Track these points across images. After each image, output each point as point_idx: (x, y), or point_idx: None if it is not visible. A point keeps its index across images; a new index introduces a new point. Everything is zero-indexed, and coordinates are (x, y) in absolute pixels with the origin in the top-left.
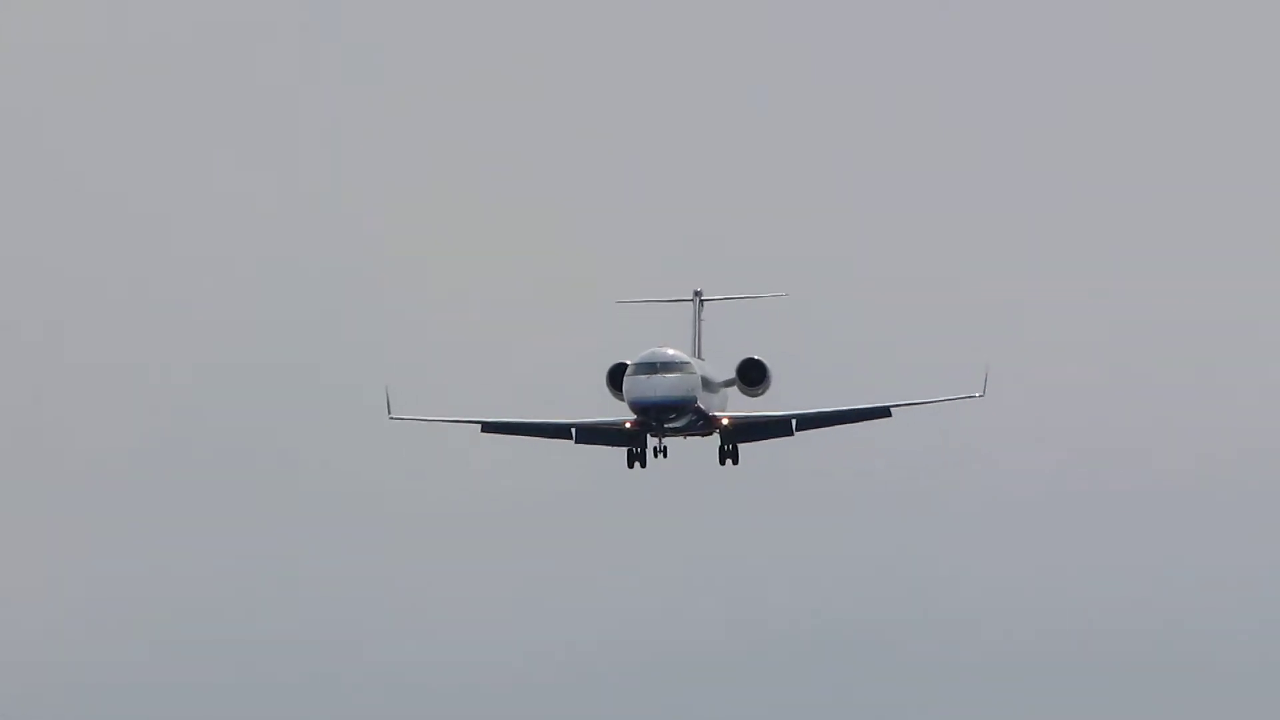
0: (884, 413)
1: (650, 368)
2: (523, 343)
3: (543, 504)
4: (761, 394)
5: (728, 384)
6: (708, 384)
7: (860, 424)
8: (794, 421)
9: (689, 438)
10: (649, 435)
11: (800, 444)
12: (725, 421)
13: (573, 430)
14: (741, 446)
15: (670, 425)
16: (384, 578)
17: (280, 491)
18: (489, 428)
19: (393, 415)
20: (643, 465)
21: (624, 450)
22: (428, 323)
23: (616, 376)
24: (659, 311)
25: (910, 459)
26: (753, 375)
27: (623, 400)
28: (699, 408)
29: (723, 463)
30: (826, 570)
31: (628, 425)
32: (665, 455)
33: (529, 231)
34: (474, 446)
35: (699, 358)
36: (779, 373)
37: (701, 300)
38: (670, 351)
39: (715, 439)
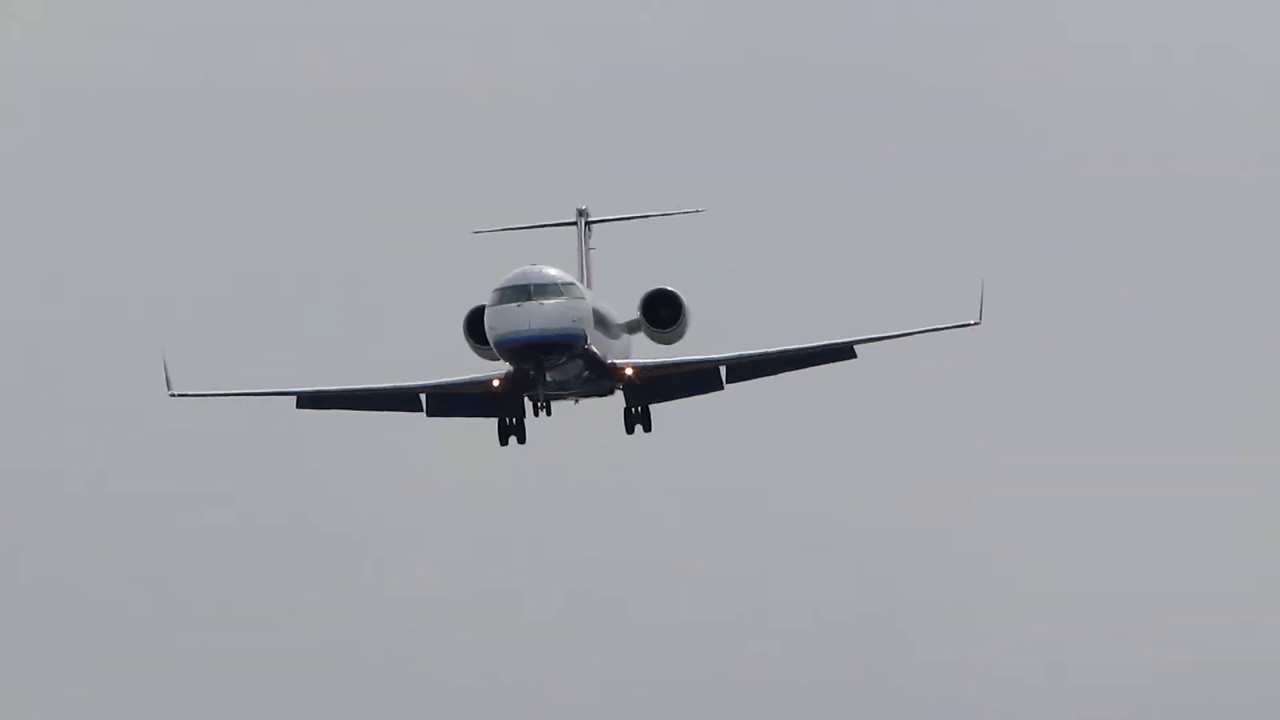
0: (845, 352)
1: (521, 292)
2: (352, 290)
3: (385, 503)
4: (676, 337)
5: (631, 328)
6: (602, 320)
7: (813, 369)
8: (723, 370)
9: (581, 400)
10: (526, 397)
11: (733, 400)
12: (629, 372)
13: (422, 398)
14: (655, 408)
15: (554, 377)
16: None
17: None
18: (306, 401)
19: (173, 391)
20: (520, 440)
21: (494, 421)
22: (215, 271)
23: (477, 326)
24: (529, 241)
25: (885, 416)
26: (663, 312)
27: (489, 355)
28: (590, 350)
29: (630, 429)
30: (776, 585)
31: (496, 384)
32: (549, 412)
33: (345, 146)
34: (287, 428)
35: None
36: (697, 309)
37: (588, 223)
38: (549, 270)
39: (618, 400)
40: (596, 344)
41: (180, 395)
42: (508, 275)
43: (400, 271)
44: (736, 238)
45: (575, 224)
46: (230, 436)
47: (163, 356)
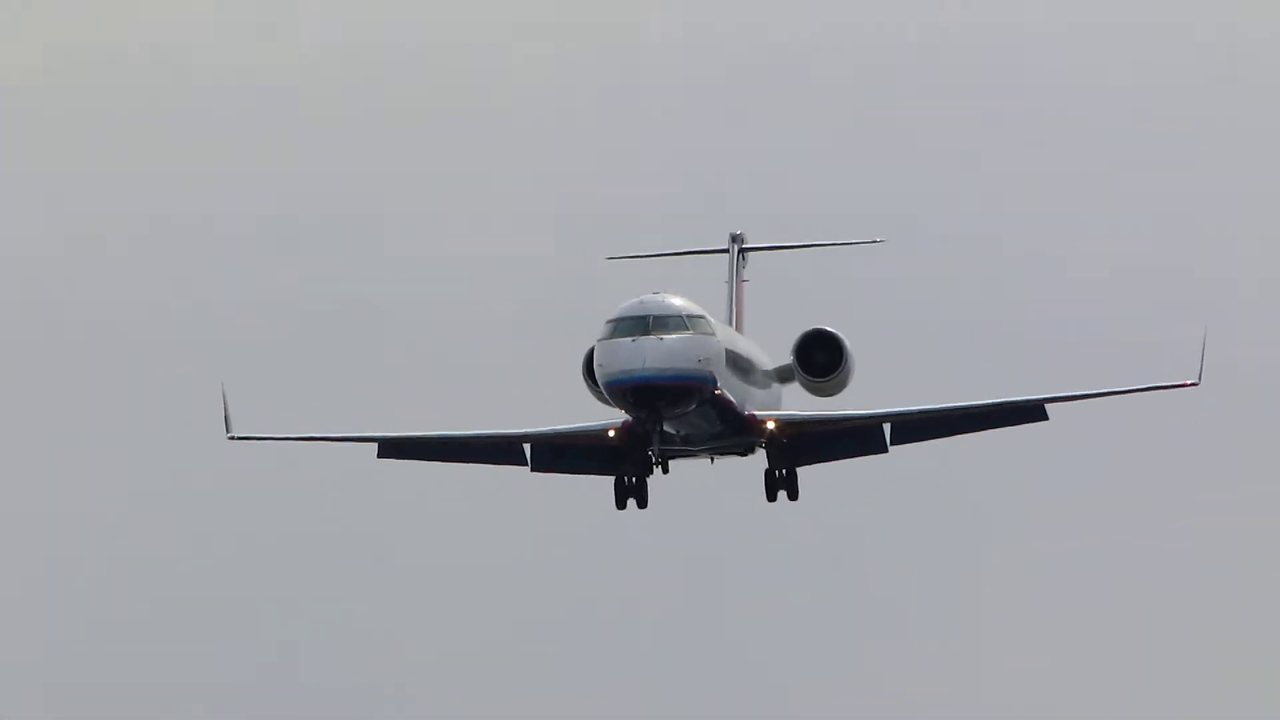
0: (1035, 413)
1: (638, 325)
2: (458, 324)
3: (471, 570)
4: (835, 388)
5: (782, 375)
6: (740, 363)
7: (996, 432)
8: (887, 428)
9: (717, 457)
10: (649, 452)
11: (899, 465)
12: (771, 426)
13: (526, 449)
14: (803, 471)
15: (678, 429)
16: None
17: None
18: (389, 449)
19: (232, 434)
20: (641, 503)
21: (611, 480)
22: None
23: None
24: (671, 270)
25: (1081, 490)
26: (819, 358)
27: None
28: (721, 396)
29: (772, 496)
30: (943, 696)
31: (611, 434)
32: (664, 469)
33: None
34: (363, 481)
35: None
36: (863, 357)
37: (742, 250)
38: (673, 300)
39: (760, 461)
40: (731, 390)
41: (241, 438)
42: (623, 304)
43: (515, 303)
44: (919, 276)
45: (727, 251)
46: (294, 489)
47: (222, 392)
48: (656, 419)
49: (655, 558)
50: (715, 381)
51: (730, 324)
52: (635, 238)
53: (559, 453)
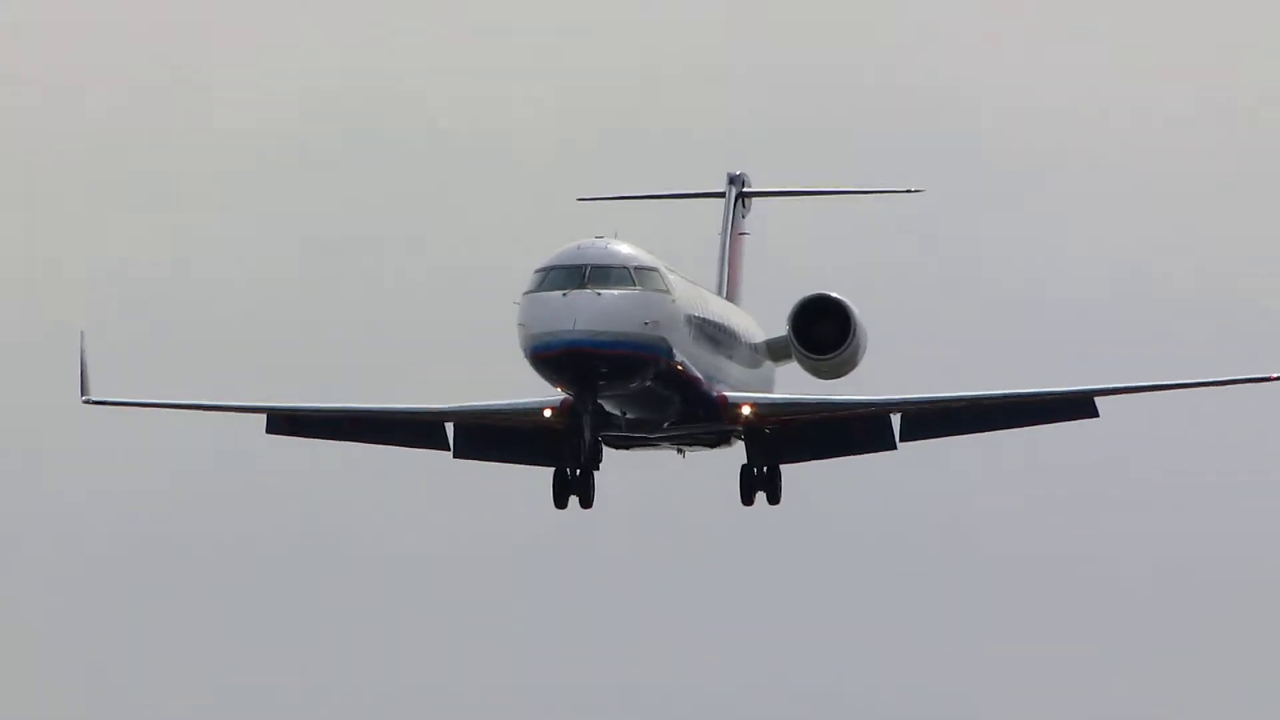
0: (1082, 406)
1: (572, 275)
2: (377, 280)
3: (377, 574)
4: (840, 369)
5: (775, 351)
6: (710, 329)
7: (1032, 429)
8: (896, 420)
9: (684, 449)
10: (581, 439)
11: (907, 466)
12: (746, 411)
13: (447, 429)
14: (787, 469)
15: (624, 410)
16: None
17: None
18: (282, 423)
19: (88, 397)
20: (584, 501)
21: (550, 471)
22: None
23: None
24: (656, 216)
25: (1134, 502)
26: (821, 331)
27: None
28: (678, 369)
29: (748, 498)
30: None
31: (548, 414)
32: (588, 462)
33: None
34: (248, 460)
35: (727, 303)
36: (879, 332)
37: (743, 195)
38: (619, 247)
39: (737, 451)
40: (694, 362)
41: (98, 403)
42: (557, 250)
43: (457, 252)
44: (959, 237)
45: (724, 196)
46: (157, 469)
47: (80, 344)
48: (590, 395)
49: (596, 568)
50: (669, 351)
51: (720, 287)
52: (614, 176)
53: (486, 435)
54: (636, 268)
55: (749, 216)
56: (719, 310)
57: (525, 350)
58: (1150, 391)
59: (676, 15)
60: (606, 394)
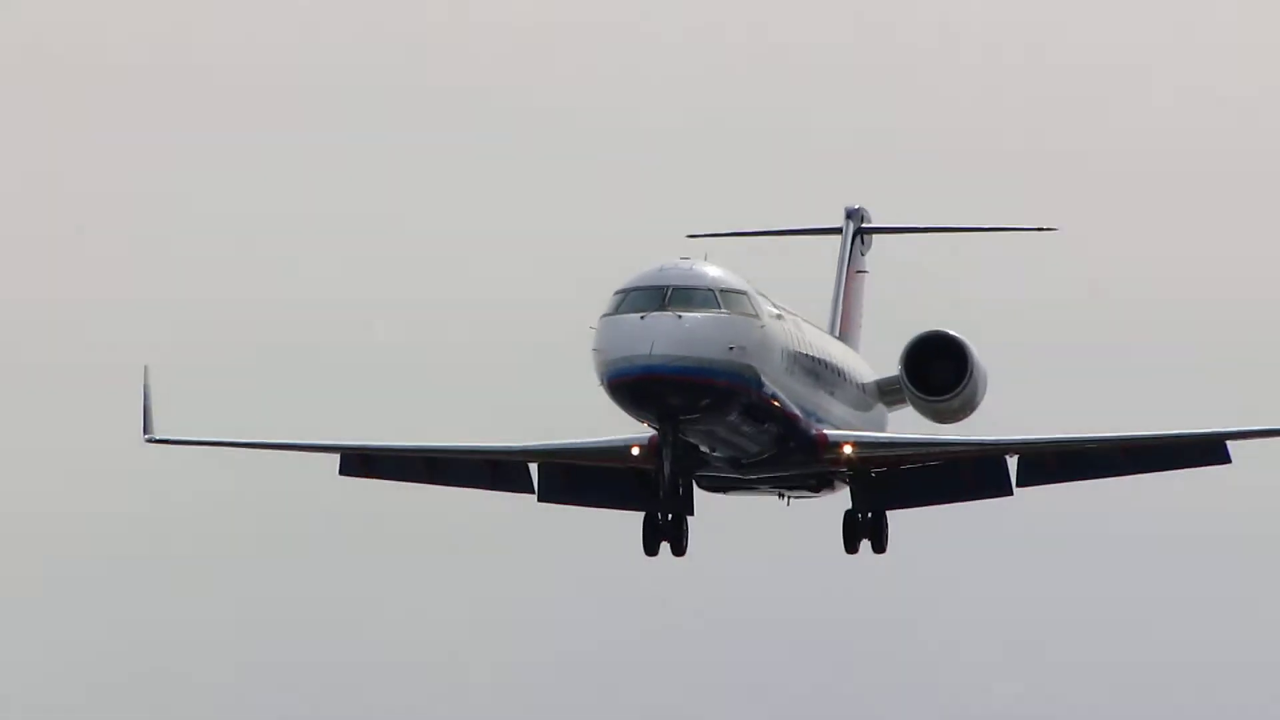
0: (1213, 451)
1: (652, 297)
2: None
3: (456, 628)
4: (957, 413)
5: (887, 392)
6: (806, 364)
7: (1160, 474)
8: (1013, 463)
9: (786, 493)
10: (662, 474)
11: (1025, 513)
12: (848, 451)
13: (531, 469)
14: (895, 515)
15: (707, 439)
16: None
17: None
18: (355, 463)
19: (151, 435)
20: (677, 548)
21: (641, 515)
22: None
23: None
24: (767, 256)
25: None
26: (936, 372)
27: None
28: (770, 403)
29: (852, 545)
30: None
31: (636, 452)
32: (679, 507)
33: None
34: (322, 502)
35: (845, 347)
36: (999, 376)
37: (861, 231)
38: (705, 269)
39: (842, 497)
40: (790, 396)
41: (161, 441)
42: (639, 271)
43: (557, 285)
44: (1094, 277)
45: (840, 232)
46: (225, 513)
47: (145, 380)
48: (670, 427)
49: (686, 619)
50: (758, 381)
51: (834, 326)
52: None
53: (572, 477)
54: (723, 290)
55: (869, 254)
56: (818, 343)
57: (600, 377)
58: None
59: (801, 45)
60: (689, 427)
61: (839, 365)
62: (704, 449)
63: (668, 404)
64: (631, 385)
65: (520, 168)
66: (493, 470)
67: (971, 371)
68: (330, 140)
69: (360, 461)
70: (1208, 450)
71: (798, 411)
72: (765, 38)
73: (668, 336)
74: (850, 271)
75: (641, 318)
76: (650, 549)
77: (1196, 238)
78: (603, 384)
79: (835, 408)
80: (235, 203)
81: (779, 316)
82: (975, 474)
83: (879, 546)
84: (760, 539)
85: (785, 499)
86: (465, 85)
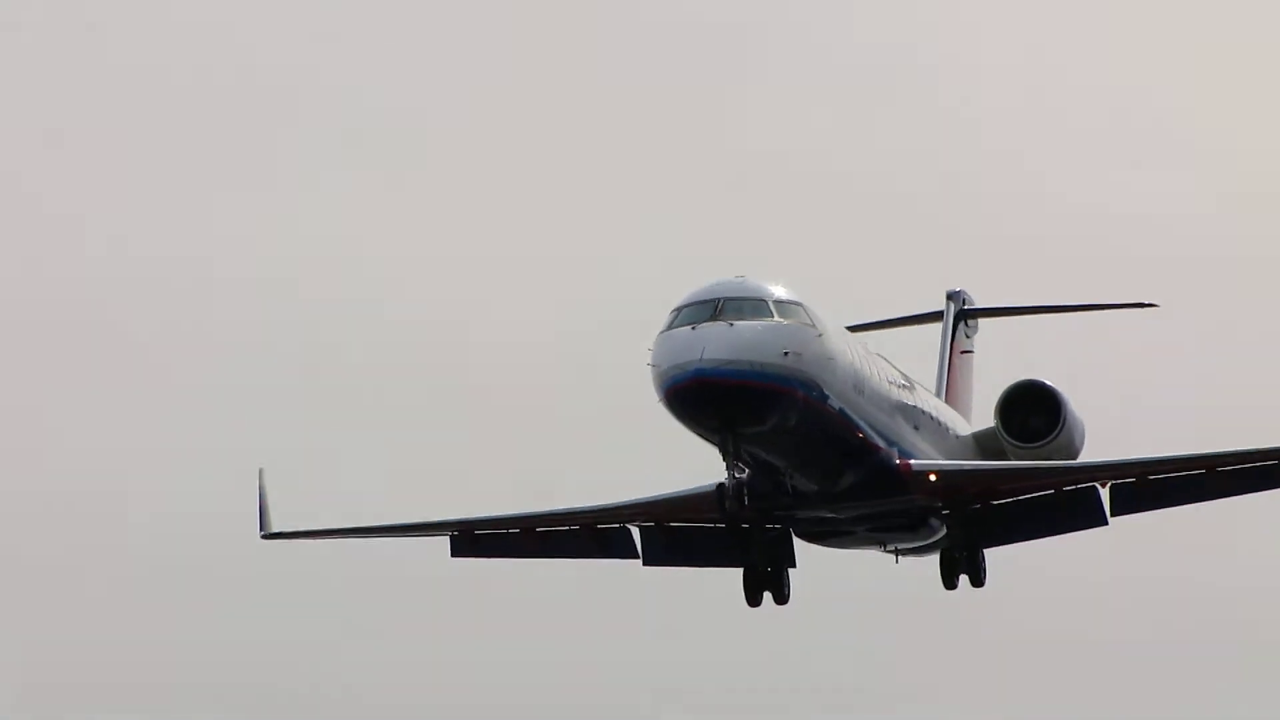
0: None
1: (705, 310)
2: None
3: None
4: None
5: (985, 444)
6: (877, 396)
7: (1259, 496)
8: (1104, 491)
9: (888, 541)
10: (727, 488)
11: (1122, 543)
12: (933, 479)
13: (635, 534)
14: (992, 551)
15: (772, 454)
16: None
17: None
18: (466, 542)
19: (266, 532)
20: (779, 596)
21: (741, 569)
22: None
23: None
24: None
25: None
26: (1032, 422)
27: None
28: (833, 412)
29: (951, 581)
30: None
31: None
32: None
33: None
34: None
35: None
36: (1086, 419)
37: (965, 313)
38: (760, 283)
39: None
40: (862, 417)
41: (275, 535)
42: (693, 289)
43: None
44: (1198, 351)
45: (941, 316)
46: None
47: (259, 480)
48: (729, 437)
49: (788, 672)
50: (817, 390)
51: None
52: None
53: (674, 538)
54: (776, 301)
55: (976, 336)
56: (898, 379)
57: (658, 392)
58: None
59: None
60: (753, 440)
61: (926, 407)
62: (781, 472)
63: (723, 410)
64: (684, 391)
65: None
66: (597, 537)
67: (1065, 419)
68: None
69: (469, 542)
70: None
71: (874, 435)
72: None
73: (719, 341)
74: (954, 353)
75: (693, 328)
76: (753, 599)
77: None
78: (660, 398)
79: (922, 444)
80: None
81: (853, 340)
82: (1069, 505)
83: (977, 580)
84: (860, 581)
85: (893, 552)
86: None
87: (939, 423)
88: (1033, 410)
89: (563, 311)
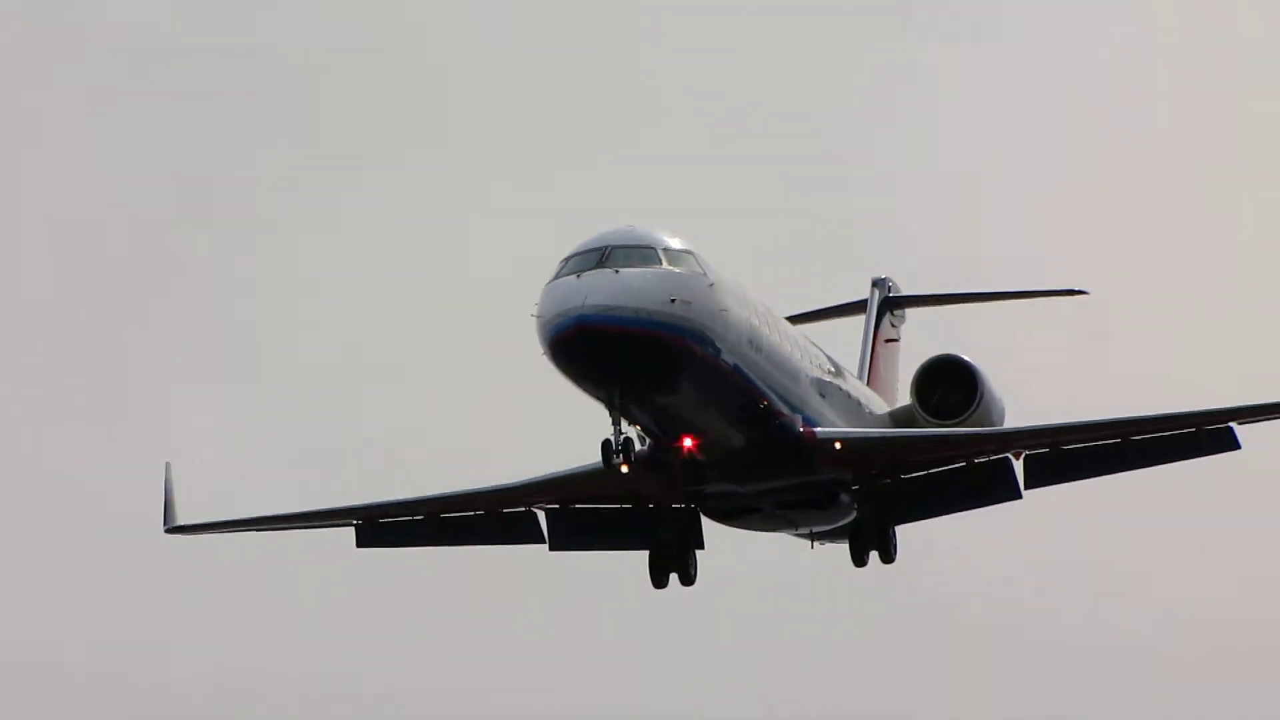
0: (1221, 439)
1: (591, 258)
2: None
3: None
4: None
5: (902, 423)
6: (777, 347)
7: (1173, 467)
8: (1018, 463)
9: (798, 520)
10: (614, 448)
11: (1035, 518)
12: (838, 447)
13: (541, 519)
14: (902, 528)
15: (664, 411)
16: None
17: None
18: (370, 531)
19: (170, 526)
20: (685, 577)
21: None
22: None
23: None
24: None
25: None
26: (950, 400)
27: None
28: (724, 367)
29: (860, 559)
30: None
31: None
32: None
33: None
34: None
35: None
36: (1017, 408)
37: (890, 300)
38: (650, 231)
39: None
40: (759, 376)
41: (179, 530)
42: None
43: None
44: (1122, 336)
45: (865, 305)
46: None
47: (166, 474)
48: (613, 390)
49: (699, 650)
50: (708, 341)
51: None
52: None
53: (580, 521)
54: (666, 249)
55: (904, 326)
56: (806, 345)
57: (542, 344)
58: None
59: None
60: (638, 389)
61: (837, 380)
62: (682, 427)
63: (607, 359)
64: (566, 340)
65: None
66: (502, 522)
67: (982, 394)
68: None
69: (373, 532)
70: (1213, 439)
71: (775, 399)
72: None
73: (603, 288)
74: (879, 340)
75: (578, 277)
76: (658, 580)
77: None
78: (545, 351)
79: (830, 414)
80: None
81: (750, 297)
82: (981, 478)
83: (887, 556)
84: (770, 560)
85: (807, 536)
86: None
87: (851, 396)
88: (951, 387)
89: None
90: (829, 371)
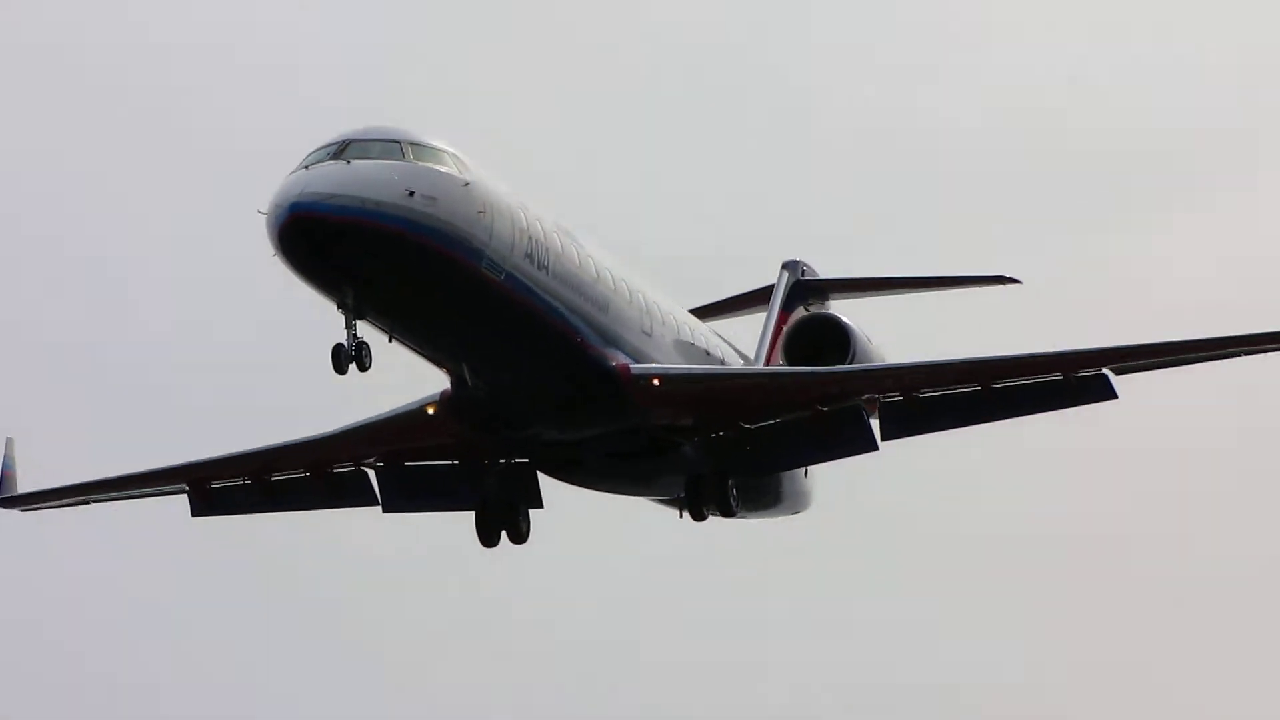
0: (1096, 387)
1: (324, 153)
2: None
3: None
4: None
5: None
6: (572, 268)
7: (1044, 417)
8: (874, 408)
9: (613, 457)
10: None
11: (893, 472)
12: (656, 384)
13: (373, 480)
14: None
15: (427, 327)
16: None
17: None
18: (201, 498)
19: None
20: (515, 534)
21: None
22: None
23: None
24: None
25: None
26: (822, 356)
27: None
28: (492, 281)
29: (699, 512)
30: None
31: (432, 411)
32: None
33: None
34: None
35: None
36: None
37: (802, 284)
38: (392, 127)
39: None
40: (546, 292)
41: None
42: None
43: None
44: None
45: (774, 289)
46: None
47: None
48: (341, 289)
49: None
50: (465, 247)
51: None
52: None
53: (410, 480)
54: (413, 143)
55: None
56: (621, 272)
57: (270, 239)
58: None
59: None
60: (374, 294)
61: (668, 314)
62: (474, 372)
63: (325, 251)
64: (284, 234)
65: None
66: (332, 483)
67: (854, 352)
68: None
69: (204, 499)
70: (1089, 387)
71: (573, 326)
72: None
73: (326, 179)
74: (780, 314)
75: (307, 169)
76: (487, 539)
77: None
78: (273, 245)
79: (658, 355)
80: None
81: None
82: (831, 427)
83: (726, 509)
84: (606, 518)
85: (676, 503)
86: None
87: (691, 342)
88: (826, 349)
89: None
90: (671, 322)
